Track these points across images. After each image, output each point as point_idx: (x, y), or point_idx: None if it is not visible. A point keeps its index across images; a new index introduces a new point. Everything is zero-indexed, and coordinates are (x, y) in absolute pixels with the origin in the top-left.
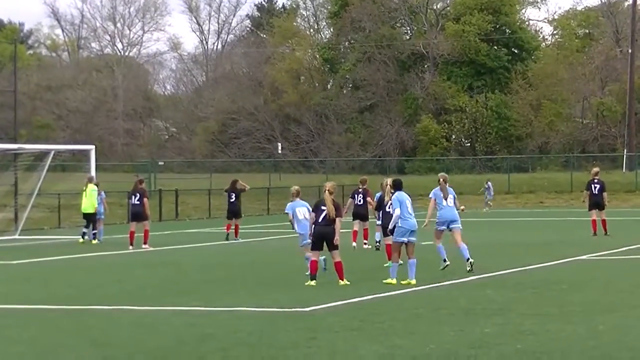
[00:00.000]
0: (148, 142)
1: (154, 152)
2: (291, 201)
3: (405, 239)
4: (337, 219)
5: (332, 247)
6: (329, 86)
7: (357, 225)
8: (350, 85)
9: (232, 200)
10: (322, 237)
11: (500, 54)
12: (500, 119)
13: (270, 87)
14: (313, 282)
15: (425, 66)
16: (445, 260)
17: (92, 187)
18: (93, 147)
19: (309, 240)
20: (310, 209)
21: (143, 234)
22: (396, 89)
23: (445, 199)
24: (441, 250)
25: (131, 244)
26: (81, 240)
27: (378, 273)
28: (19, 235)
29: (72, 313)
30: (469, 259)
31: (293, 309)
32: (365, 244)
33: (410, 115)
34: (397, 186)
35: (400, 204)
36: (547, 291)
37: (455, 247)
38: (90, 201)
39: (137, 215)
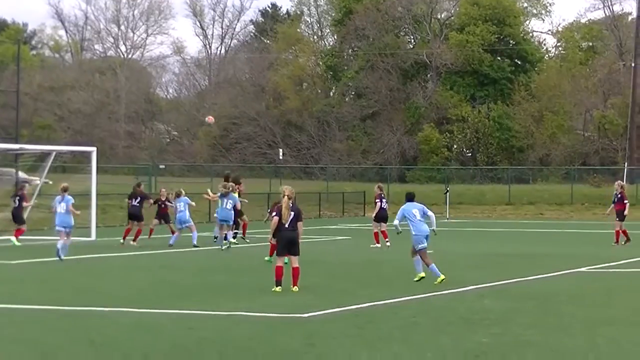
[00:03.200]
0: (149, 145)
1: (155, 156)
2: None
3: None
4: (299, 224)
5: (296, 252)
6: (331, 93)
7: (380, 227)
8: (353, 93)
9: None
10: (289, 241)
11: (503, 64)
12: (502, 130)
13: (273, 93)
14: (278, 289)
15: (428, 75)
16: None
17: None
18: (94, 149)
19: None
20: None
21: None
22: (399, 97)
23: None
24: None
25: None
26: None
27: (376, 280)
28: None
29: (70, 314)
30: None
31: (291, 315)
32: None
33: (412, 124)
34: (407, 197)
35: (406, 215)
36: (546, 303)
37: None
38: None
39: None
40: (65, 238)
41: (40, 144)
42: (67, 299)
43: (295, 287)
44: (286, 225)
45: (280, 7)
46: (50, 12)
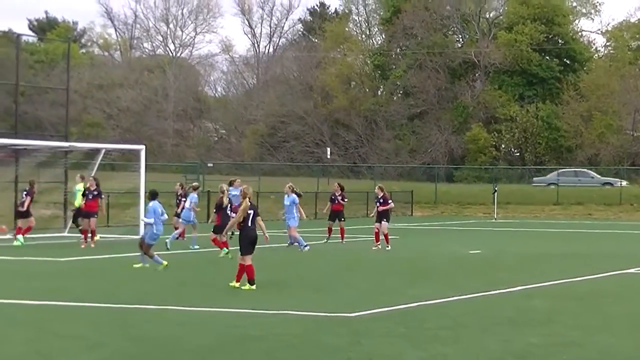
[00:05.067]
0: (197, 143)
1: (203, 154)
2: None
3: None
4: (259, 219)
5: (253, 249)
6: (379, 92)
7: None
8: (401, 92)
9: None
10: (253, 240)
11: (552, 64)
12: (550, 130)
13: (321, 91)
14: (253, 287)
15: (476, 74)
16: None
17: None
18: (143, 147)
19: None
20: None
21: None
22: (446, 96)
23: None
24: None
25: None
26: None
27: (424, 280)
28: (67, 232)
29: (116, 311)
30: None
31: (338, 314)
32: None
33: (460, 124)
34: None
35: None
36: (593, 303)
37: None
38: None
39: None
40: (181, 231)
41: (89, 141)
42: (112, 296)
43: (237, 283)
44: (249, 225)
45: (329, 6)
46: (100, 11)
